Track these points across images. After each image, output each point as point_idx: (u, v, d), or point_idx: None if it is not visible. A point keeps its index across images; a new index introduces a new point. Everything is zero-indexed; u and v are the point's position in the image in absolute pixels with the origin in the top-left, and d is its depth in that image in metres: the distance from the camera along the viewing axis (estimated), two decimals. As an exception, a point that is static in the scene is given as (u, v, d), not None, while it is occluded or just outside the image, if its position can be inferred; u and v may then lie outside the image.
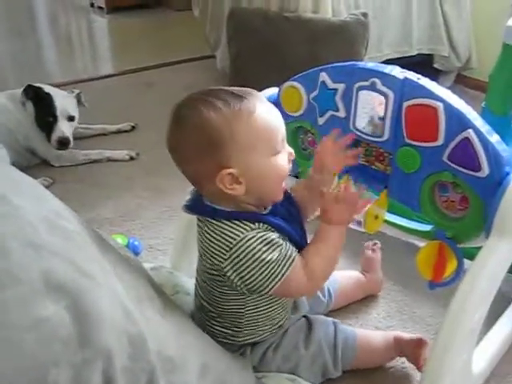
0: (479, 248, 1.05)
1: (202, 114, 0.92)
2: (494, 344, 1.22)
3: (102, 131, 2.38)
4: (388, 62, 2.54)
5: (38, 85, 2.17)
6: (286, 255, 0.96)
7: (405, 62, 2.51)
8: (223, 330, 1.07)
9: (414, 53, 2.66)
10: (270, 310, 1.07)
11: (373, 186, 1.22)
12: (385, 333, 1.25)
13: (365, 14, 2.20)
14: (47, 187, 1.96)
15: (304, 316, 1.18)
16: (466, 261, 1.08)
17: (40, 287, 0.56)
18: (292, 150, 1.01)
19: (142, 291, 0.81)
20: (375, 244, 1.47)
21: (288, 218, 1.02)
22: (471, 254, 1.12)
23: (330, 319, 1.20)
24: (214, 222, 0.98)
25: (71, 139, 2.14)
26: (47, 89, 2.18)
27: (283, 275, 0.95)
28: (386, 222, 1.21)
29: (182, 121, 0.95)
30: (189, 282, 1.24)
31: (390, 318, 1.37)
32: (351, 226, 1.24)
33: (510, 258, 1.04)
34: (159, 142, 2.18)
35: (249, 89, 1.00)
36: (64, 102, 2.16)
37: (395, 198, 1.17)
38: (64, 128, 2.12)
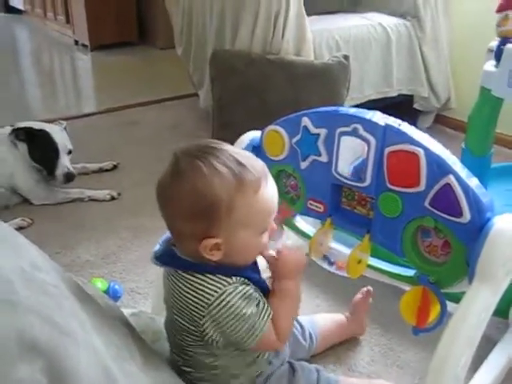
0: (463, 291, 1.06)
1: (205, 179, 0.90)
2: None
3: (83, 170, 2.37)
4: (369, 102, 2.58)
5: (25, 124, 2.18)
6: (263, 308, 0.96)
7: (386, 103, 2.59)
8: (201, 382, 1.04)
9: (395, 94, 2.71)
10: (246, 360, 1.04)
11: (355, 230, 1.22)
12: (369, 381, 1.24)
13: (346, 57, 2.24)
14: (26, 227, 1.93)
15: (288, 362, 1.16)
16: (449, 304, 1.08)
17: (14, 348, 0.54)
18: (274, 225, 1.01)
19: (122, 345, 0.79)
20: (368, 291, 1.45)
21: (255, 266, 1.02)
22: (455, 297, 1.12)
23: (313, 366, 1.18)
24: (187, 275, 0.96)
25: (75, 173, 2.19)
26: (38, 125, 2.20)
27: (262, 328, 0.95)
28: (369, 266, 1.21)
29: (183, 177, 0.92)
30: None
31: (374, 362, 1.36)
32: (333, 270, 1.25)
33: (494, 302, 1.03)
34: (141, 182, 2.19)
35: (253, 157, 0.99)
36: (61, 136, 2.20)
37: (378, 242, 1.17)
38: (67, 162, 2.17)
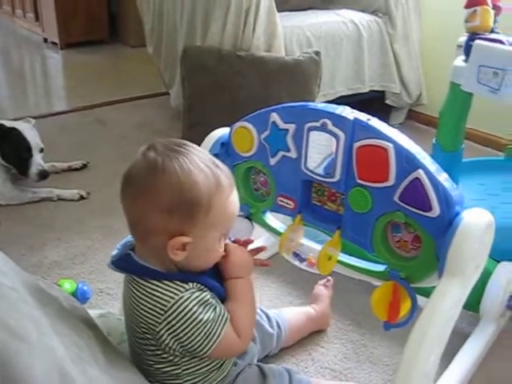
0: (433, 286, 1.05)
1: (190, 175, 0.90)
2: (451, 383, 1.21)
3: (52, 169, 2.32)
4: (341, 98, 2.58)
5: None
6: (220, 314, 0.95)
7: (357, 99, 2.59)
8: None
9: (367, 90, 2.71)
10: (209, 365, 1.01)
11: (326, 226, 1.21)
12: (341, 383, 1.23)
13: (317, 53, 2.23)
14: (-8, 228, 1.89)
15: (257, 365, 1.14)
16: (420, 298, 1.08)
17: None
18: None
19: (84, 346, 0.76)
20: (328, 280, 1.48)
21: (212, 271, 1.00)
22: (425, 291, 1.12)
23: (283, 368, 1.16)
24: (143, 282, 0.94)
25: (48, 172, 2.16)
26: (8, 123, 2.15)
27: (220, 334, 0.94)
28: (340, 262, 1.20)
29: (165, 171, 0.90)
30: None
31: (347, 359, 1.35)
32: (304, 267, 1.24)
33: (464, 297, 1.03)
34: (111, 181, 2.15)
35: (218, 161, 0.98)
36: (33, 134, 2.16)
37: (348, 238, 1.16)
38: (40, 160, 2.14)
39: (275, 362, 1.29)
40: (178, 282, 0.92)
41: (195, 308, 0.91)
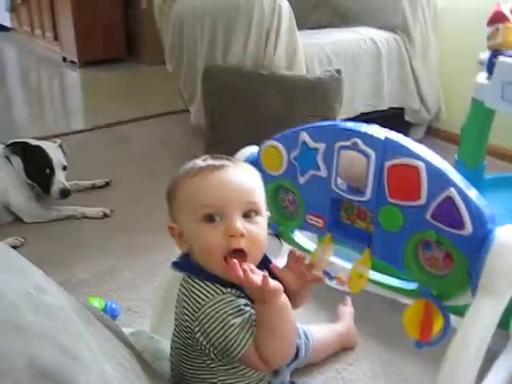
0: (465, 304, 1.05)
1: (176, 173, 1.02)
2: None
3: (75, 187, 2.35)
4: (360, 115, 2.60)
5: (22, 140, 2.18)
6: (248, 322, 0.93)
7: (377, 116, 2.60)
8: None
9: (386, 107, 2.72)
10: (245, 378, 1.01)
11: (355, 244, 1.21)
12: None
13: (338, 71, 2.25)
14: (19, 247, 1.91)
15: (290, 381, 1.14)
16: (452, 317, 1.08)
17: (25, 376, 0.52)
18: (233, 226, 0.95)
19: (129, 368, 0.77)
20: (346, 299, 1.52)
21: None
22: (458, 310, 1.12)
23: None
24: (190, 280, 0.98)
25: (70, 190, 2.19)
26: (33, 142, 2.19)
27: (247, 341, 0.92)
28: (371, 280, 1.20)
29: None
30: (169, 346, 1.20)
31: (376, 377, 1.34)
32: (334, 285, 1.24)
33: (498, 315, 1.03)
34: (134, 199, 2.17)
35: (229, 157, 1.05)
36: (56, 153, 2.19)
37: (378, 256, 1.17)
38: (62, 179, 2.17)
39: (304, 379, 1.30)
40: (217, 285, 0.95)
41: (226, 309, 0.93)
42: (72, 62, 4.89)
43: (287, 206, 1.32)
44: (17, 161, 2.14)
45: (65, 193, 2.16)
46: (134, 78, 4.47)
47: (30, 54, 5.54)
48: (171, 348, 1.08)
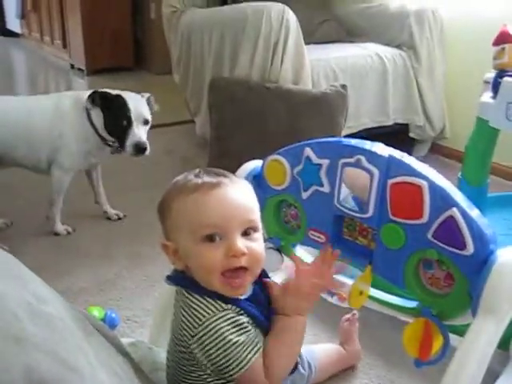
0: (465, 324, 1.05)
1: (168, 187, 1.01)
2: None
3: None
4: (365, 131, 2.60)
5: (102, 90, 2.00)
6: (253, 341, 0.94)
7: (381, 132, 2.61)
8: None
9: (391, 122, 2.73)
10: None
11: (357, 261, 1.21)
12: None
13: (344, 86, 2.26)
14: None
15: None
16: (452, 336, 1.07)
17: (22, 388, 0.52)
18: (235, 246, 0.94)
19: (125, 379, 0.77)
20: (354, 315, 1.47)
21: (258, 303, 1.00)
22: (457, 329, 1.12)
23: None
24: (188, 295, 0.97)
25: (148, 145, 1.96)
26: (113, 92, 2.00)
27: (249, 361, 0.93)
28: (371, 297, 1.20)
29: None
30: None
31: (374, 395, 1.34)
32: (334, 301, 1.24)
33: (498, 336, 1.02)
34: (137, 207, 2.16)
35: (222, 171, 1.03)
36: (138, 104, 1.97)
37: (379, 273, 1.16)
38: (140, 133, 1.96)
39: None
40: (218, 301, 0.94)
41: (227, 327, 0.92)
42: (80, 69, 4.93)
43: (289, 220, 1.33)
44: (96, 113, 1.97)
45: (140, 148, 1.93)
46: (140, 87, 4.42)
47: (38, 60, 5.58)
48: (167, 359, 1.08)
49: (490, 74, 1.75)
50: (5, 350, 0.54)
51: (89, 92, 1.99)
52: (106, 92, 1.98)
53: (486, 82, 1.79)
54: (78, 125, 1.99)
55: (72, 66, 5.07)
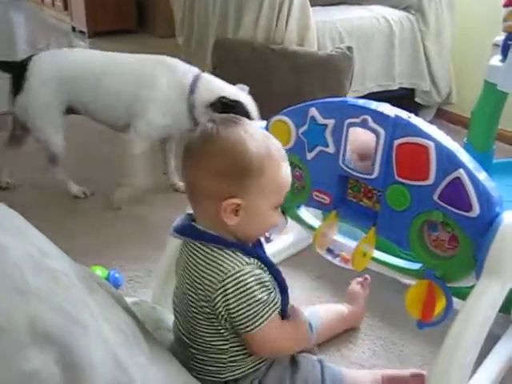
0: (468, 287, 1.05)
1: (242, 140, 0.94)
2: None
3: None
4: (370, 95, 2.57)
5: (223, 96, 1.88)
6: (273, 300, 0.96)
7: (387, 96, 2.58)
8: (205, 367, 1.03)
9: (396, 87, 2.70)
10: None
11: (361, 222, 1.21)
12: (372, 372, 1.23)
13: (350, 48, 2.22)
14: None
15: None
16: (454, 299, 1.07)
17: (26, 337, 0.52)
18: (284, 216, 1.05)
19: (130, 334, 0.77)
20: (365, 279, 1.46)
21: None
22: (459, 292, 1.12)
23: (315, 357, 1.17)
24: (206, 249, 0.96)
25: None
26: (229, 90, 1.91)
27: (267, 318, 0.95)
28: (374, 259, 1.20)
29: (220, 138, 0.95)
30: (171, 317, 1.20)
31: (376, 356, 1.35)
32: (337, 263, 1.24)
33: (501, 298, 1.03)
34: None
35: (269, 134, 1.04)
36: (254, 107, 1.90)
37: (384, 235, 1.16)
38: None
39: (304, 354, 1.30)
40: (239, 254, 0.95)
41: (253, 284, 0.93)
42: (81, 32, 4.85)
43: (294, 181, 1.32)
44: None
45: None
46: (143, 50, 4.31)
47: (39, 23, 5.50)
48: (176, 316, 1.08)
49: (500, 37, 1.72)
50: (8, 300, 0.54)
51: (184, 65, 2.02)
52: (227, 100, 1.86)
53: (496, 45, 1.75)
54: (173, 99, 1.93)
55: (73, 29, 4.99)
